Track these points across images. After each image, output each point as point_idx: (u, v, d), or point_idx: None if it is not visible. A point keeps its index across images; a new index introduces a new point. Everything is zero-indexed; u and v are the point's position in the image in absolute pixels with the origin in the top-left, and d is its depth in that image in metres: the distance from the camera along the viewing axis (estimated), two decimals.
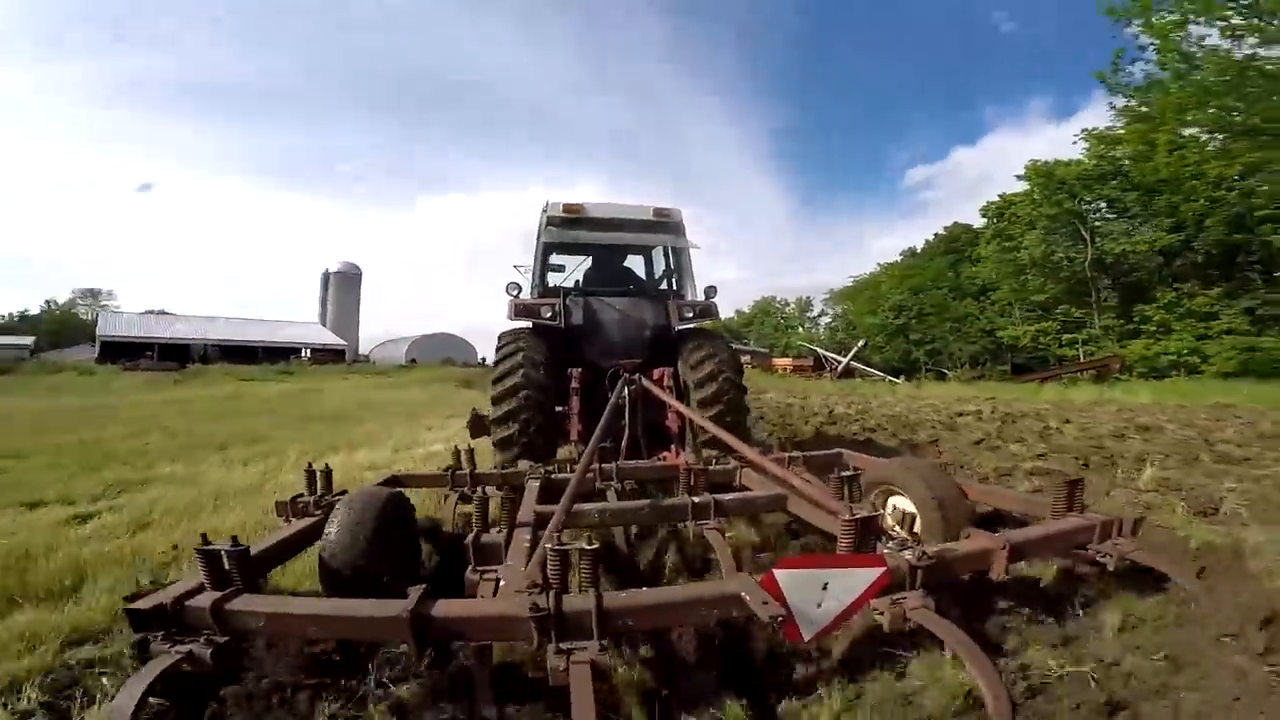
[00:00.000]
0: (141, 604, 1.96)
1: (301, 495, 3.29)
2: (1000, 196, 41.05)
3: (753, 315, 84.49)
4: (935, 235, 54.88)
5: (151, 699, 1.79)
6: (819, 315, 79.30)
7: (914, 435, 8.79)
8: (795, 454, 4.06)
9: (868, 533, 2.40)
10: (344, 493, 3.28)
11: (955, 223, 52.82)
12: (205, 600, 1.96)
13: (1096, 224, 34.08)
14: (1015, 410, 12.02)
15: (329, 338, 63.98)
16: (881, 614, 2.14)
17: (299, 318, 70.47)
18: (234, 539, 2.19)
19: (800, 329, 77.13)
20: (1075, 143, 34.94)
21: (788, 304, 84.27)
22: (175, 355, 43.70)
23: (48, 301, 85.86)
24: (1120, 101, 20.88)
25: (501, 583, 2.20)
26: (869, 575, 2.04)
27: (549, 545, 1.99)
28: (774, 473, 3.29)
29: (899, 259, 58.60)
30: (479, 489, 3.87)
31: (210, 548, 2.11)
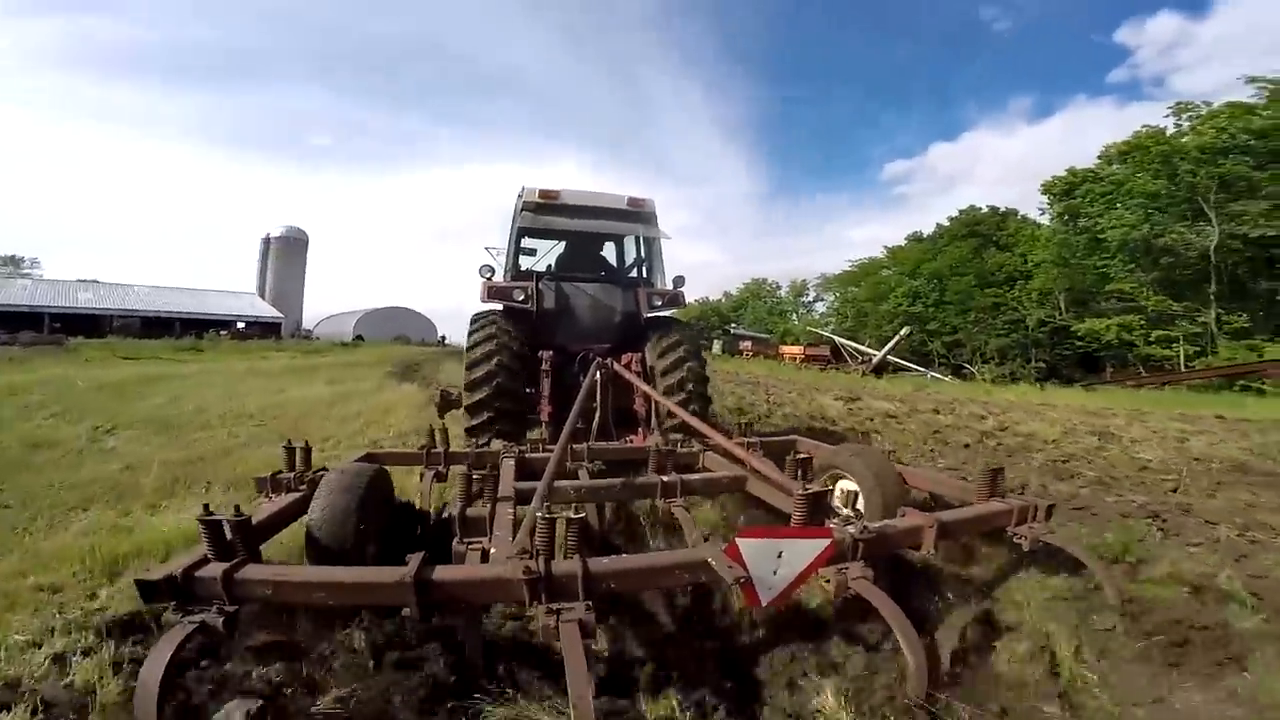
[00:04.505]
0: (151, 574, 2.03)
1: (281, 471, 3.38)
2: (1069, 171, 36.60)
3: (743, 298, 79.07)
4: (950, 218, 48.99)
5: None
6: (814, 300, 74.47)
7: None
8: (754, 439, 4.38)
9: (817, 508, 2.70)
10: (324, 469, 3.39)
11: (971, 205, 48.33)
12: (215, 570, 2.05)
13: (1229, 202, 28.40)
14: None
15: (264, 309, 58.49)
16: (828, 582, 2.45)
17: (244, 289, 64.41)
18: (237, 508, 2.29)
19: (796, 314, 72.70)
20: (1166, 116, 31.06)
21: (779, 287, 78.33)
22: (86, 328, 38.25)
23: None
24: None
25: (492, 551, 2.40)
26: (817, 546, 2.30)
27: (539, 514, 2.18)
28: (737, 455, 3.58)
29: (904, 243, 53.46)
30: (452, 467, 4.06)
31: (212, 518, 2.17)
